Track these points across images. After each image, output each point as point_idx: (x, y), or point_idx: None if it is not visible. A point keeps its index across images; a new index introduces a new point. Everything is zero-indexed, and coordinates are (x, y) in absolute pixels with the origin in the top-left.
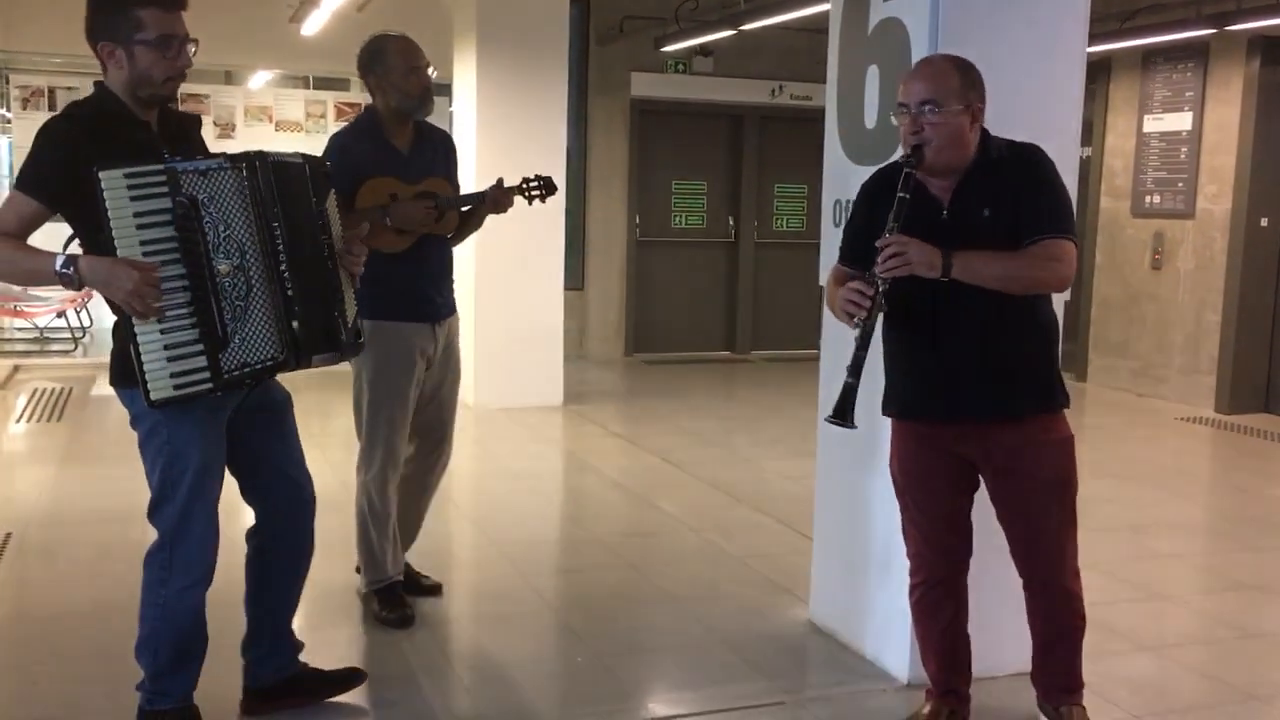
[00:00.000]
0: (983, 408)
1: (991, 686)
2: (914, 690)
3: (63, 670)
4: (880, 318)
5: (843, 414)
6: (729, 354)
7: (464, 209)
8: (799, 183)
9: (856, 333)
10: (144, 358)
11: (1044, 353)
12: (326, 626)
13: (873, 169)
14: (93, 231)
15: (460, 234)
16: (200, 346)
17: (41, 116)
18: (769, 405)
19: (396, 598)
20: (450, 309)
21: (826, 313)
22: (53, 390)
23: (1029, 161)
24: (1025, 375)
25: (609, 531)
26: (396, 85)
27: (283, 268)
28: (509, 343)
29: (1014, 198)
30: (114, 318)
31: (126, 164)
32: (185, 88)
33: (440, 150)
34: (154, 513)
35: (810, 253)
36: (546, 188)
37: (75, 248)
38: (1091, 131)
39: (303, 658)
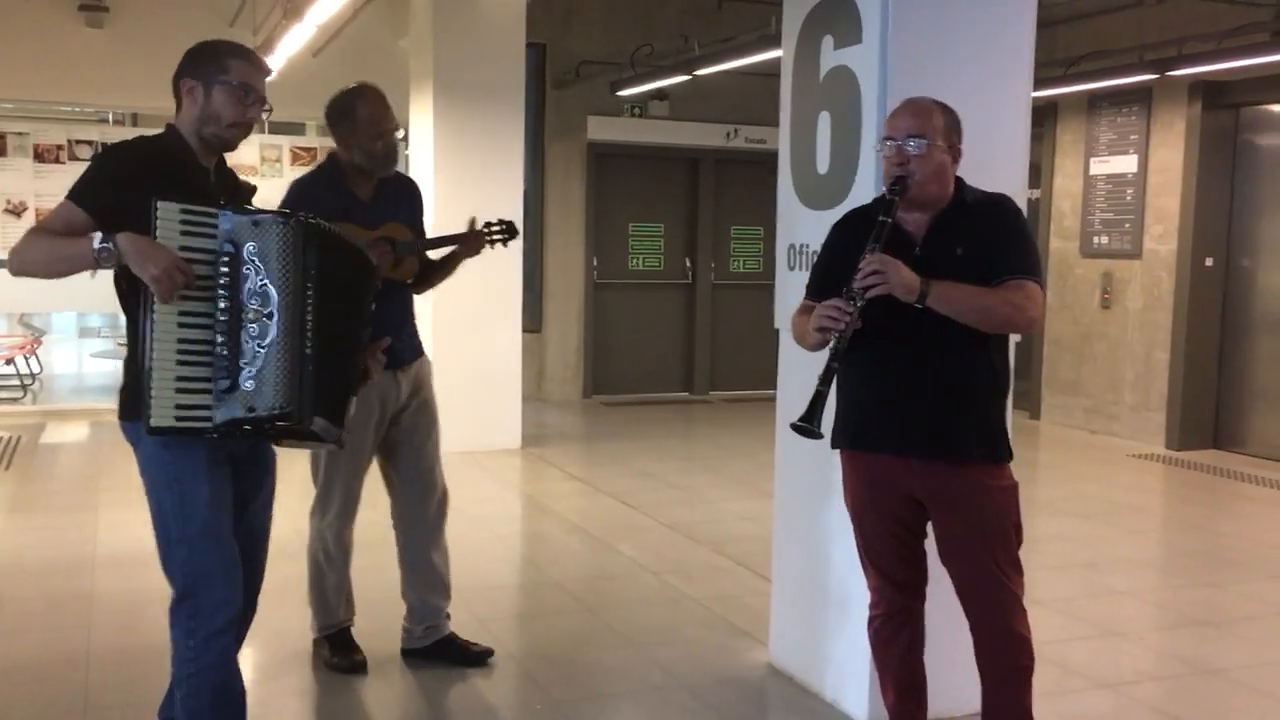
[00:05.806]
0: (930, 446)
1: None
2: None
3: None
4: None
5: (810, 418)
6: (687, 395)
7: (430, 253)
8: (755, 224)
9: (830, 346)
10: (154, 383)
11: (996, 403)
12: (280, 675)
13: (825, 213)
14: None
15: (429, 280)
16: (208, 385)
17: None
18: (728, 446)
19: (347, 644)
20: (414, 354)
21: (784, 353)
22: (1, 438)
23: (1002, 208)
24: (976, 421)
25: (567, 576)
26: (361, 146)
27: (308, 330)
28: (466, 385)
29: (986, 240)
30: (122, 352)
31: (184, 200)
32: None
33: (404, 197)
34: (167, 560)
35: (767, 294)
36: (508, 232)
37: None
38: (1040, 174)
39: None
